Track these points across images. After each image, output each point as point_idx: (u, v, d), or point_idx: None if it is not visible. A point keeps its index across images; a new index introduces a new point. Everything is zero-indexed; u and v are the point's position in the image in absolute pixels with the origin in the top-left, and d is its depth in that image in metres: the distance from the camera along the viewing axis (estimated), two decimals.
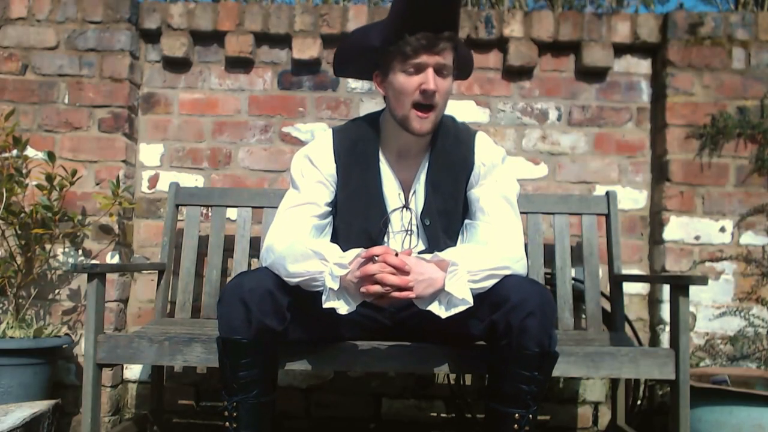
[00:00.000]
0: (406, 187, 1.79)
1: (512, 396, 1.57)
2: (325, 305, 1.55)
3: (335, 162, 1.77)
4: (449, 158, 1.77)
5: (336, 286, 1.53)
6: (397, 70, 1.64)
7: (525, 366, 1.54)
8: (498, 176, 1.77)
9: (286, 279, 1.60)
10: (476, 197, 1.76)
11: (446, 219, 1.77)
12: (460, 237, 1.79)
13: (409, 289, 1.51)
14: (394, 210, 1.77)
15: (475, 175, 1.77)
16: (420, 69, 1.62)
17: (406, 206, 1.78)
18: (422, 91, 1.62)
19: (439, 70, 1.63)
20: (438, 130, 1.76)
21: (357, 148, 1.78)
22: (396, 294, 1.50)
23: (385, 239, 1.77)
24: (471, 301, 1.52)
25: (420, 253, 1.73)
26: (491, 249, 1.63)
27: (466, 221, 1.79)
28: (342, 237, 1.77)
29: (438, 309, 1.54)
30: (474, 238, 1.73)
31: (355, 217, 1.77)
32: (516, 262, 1.63)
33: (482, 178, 1.77)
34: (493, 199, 1.74)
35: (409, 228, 1.77)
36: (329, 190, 1.77)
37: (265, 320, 1.57)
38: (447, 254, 1.57)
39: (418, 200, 1.78)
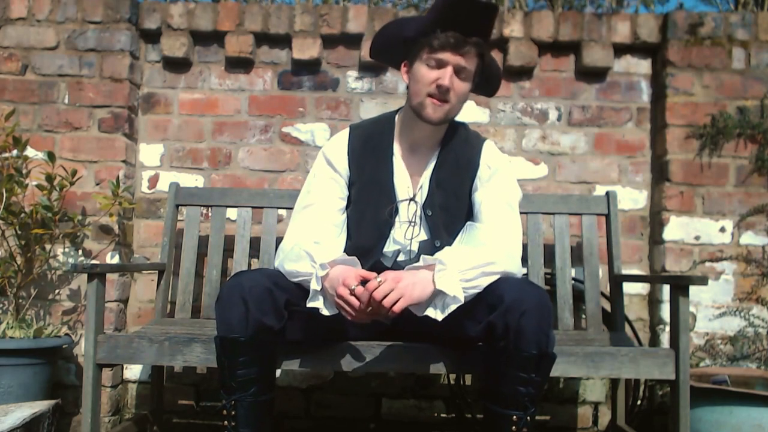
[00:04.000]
0: (415, 181, 1.84)
1: (510, 397, 1.57)
2: (308, 304, 1.61)
3: (348, 157, 1.84)
4: (456, 158, 1.83)
5: (318, 287, 1.60)
6: (421, 61, 1.72)
7: (522, 368, 1.54)
8: (502, 181, 1.82)
9: (289, 278, 1.68)
10: (479, 200, 1.80)
11: (447, 215, 1.81)
12: (459, 236, 1.81)
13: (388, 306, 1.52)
14: (402, 201, 1.82)
15: (480, 177, 1.82)
16: (441, 65, 1.69)
17: (412, 198, 1.82)
18: (438, 85, 1.69)
19: (458, 71, 1.70)
20: (450, 131, 1.84)
21: (371, 142, 1.85)
22: (386, 306, 1.51)
23: (392, 229, 1.81)
24: (462, 299, 1.54)
25: (421, 243, 1.80)
26: (482, 248, 1.66)
27: (468, 222, 1.82)
28: (353, 226, 1.83)
29: (434, 313, 1.57)
30: (472, 239, 1.76)
31: (367, 206, 1.82)
32: (508, 258, 1.66)
33: (486, 180, 1.82)
34: (496, 203, 1.78)
35: (414, 219, 1.81)
36: (341, 187, 1.84)
37: (263, 319, 1.59)
38: (435, 256, 1.60)
39: (423, 194, 1.82)
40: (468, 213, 1.83)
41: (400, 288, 1.52)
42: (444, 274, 1.54)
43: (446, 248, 1.68)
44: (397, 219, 1.81)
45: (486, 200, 1.79)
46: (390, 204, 1.81)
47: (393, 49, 1.83)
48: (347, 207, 1.85)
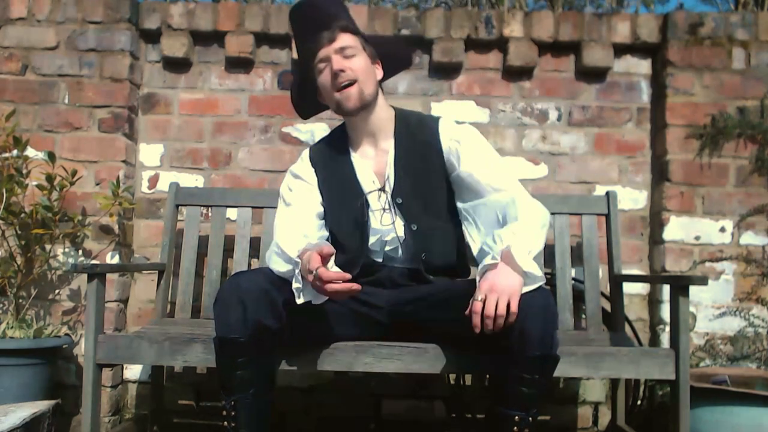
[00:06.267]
0: (380, 175, 1.88)
1: (513, 398, 1.57)
2: (298, 301, 1.61)
3: (313, 168, 1.92)
4: (414, 141, 1.87)
5: (299, 285, 1.61)
6: (316, 76, 1.83)
7: (526, 369, 1.54)
8: (475, 147, 1.84)
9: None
10: (467, 173, 1.81)
11: (422, 198, 1.85)
12: (476, 219, 1.82)
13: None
14: (371, 192, 1.86)
15: (453, 153, 1.84)
16: (326, 61, 1.80)
17: (381, 189, 1.86)
18: (333, 75, 1.77)
19: (341, 52, 1.78)
20: (401, 119, 1.90)
21: (329, 152, 1.93)
22: (503, 315, 1.50)
23: (368, 219, 1.84)
24: (544, 277, 1.58)
25: (404, 226, 1.83)
26: (527, 222, 1.66)
27: (478, 201, 1.81)
28: (334, 228, 1.88)
29: None
30: (505, 213, 1.74)
31: (339, 206, 1.87)
32: (534, 208, 1.72)
33: (462, 154, 1.83)
34: (486, 169, 1.81)
35: (386, 206, 1.85)
36: (315, 195, 1.90)
37: (261, 319, 1.59)
38: (496, 246, 1.59)
39: (390, 183, 1.86)
40: (448, 192, 1.86)
41: (503, 290, 1.50)
42: (520, 255, 1.54)
43: (501, 233, 1.63)
44: (370, 211, 1.85)
45: (478, 172, 1.80)
46: (358, 196, 1.85)
47: (307, 96, 1.93)
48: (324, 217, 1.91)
